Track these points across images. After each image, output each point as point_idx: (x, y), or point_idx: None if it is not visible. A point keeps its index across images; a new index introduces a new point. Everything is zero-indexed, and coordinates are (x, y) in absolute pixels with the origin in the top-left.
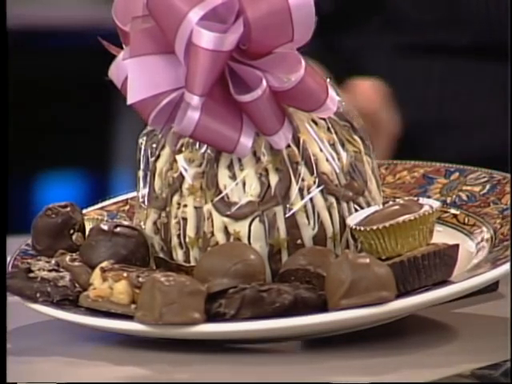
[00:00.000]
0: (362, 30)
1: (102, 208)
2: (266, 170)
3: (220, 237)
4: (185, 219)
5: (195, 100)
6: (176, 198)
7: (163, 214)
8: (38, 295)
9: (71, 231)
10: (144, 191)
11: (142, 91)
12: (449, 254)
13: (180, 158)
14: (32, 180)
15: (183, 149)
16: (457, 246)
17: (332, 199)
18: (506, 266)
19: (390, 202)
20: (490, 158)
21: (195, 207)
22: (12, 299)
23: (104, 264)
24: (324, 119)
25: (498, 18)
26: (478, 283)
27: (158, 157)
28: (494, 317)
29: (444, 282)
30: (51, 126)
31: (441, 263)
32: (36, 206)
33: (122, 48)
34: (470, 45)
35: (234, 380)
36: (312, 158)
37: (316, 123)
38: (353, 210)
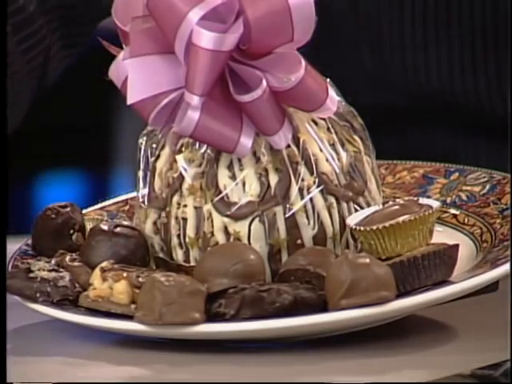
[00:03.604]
0: None
1: (101, 208)
2: (266, 170)
3: (220, 237)
4: (185, 219)
5: (195, 100)
6: (176, 198)
7: (163, 214)
8: (37, 295)
9: (71, 231)
10: (144, 191)
11: (142, 91)
12: (449, 254)
13: (180, 158)
14: (32, 180)
15: (183, 149)
16: (457, 246)
17: (332, 199)
18: (506, 266)
19: (390, 202)
20: None
21: (195, 207)
22: (12, 299)
23: (104, 264)
24: (324, 119)
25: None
26: (477, 283)
27: (158, 157)
28: (494, 317)
29: (444, 282)
30: (51, 126)
31: (441, 263)
32: (36, 206)
33: (121, 48)
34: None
35: (233, 380)
36: (312, 157)
37: (316, 123)
38: (353, 210)
